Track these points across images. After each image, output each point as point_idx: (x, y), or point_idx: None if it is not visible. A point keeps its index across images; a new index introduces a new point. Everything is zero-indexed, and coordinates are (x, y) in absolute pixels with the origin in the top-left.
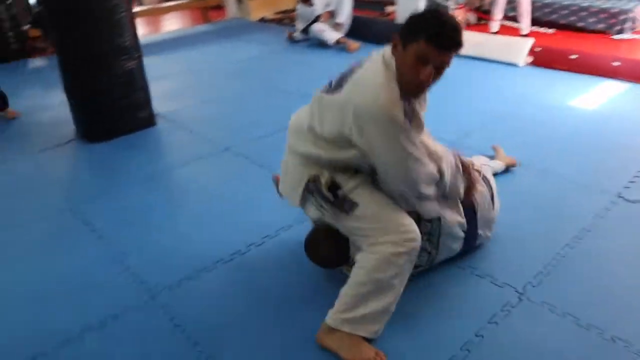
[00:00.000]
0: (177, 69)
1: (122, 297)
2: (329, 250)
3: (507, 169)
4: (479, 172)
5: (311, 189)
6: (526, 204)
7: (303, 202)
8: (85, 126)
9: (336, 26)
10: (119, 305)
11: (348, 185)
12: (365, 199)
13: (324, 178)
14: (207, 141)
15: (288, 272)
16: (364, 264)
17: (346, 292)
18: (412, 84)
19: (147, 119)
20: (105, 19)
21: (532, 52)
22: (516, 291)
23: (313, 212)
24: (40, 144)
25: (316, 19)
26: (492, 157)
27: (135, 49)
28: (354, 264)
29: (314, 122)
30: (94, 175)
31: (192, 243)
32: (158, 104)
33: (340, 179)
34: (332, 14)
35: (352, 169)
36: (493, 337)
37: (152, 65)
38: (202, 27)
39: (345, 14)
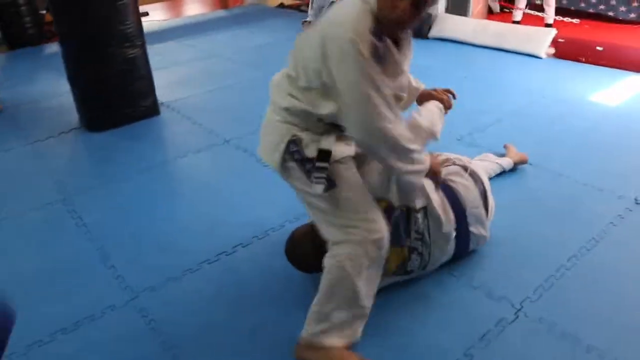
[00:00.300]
0: (191, 55)
1: (102, 297)
2: (307, 253)
3: (516, 167)
4: (466, 168)
5: (292, 150)
6: (534, 207)
7: (283, 167)
8: (88, 115)
9: None
10: (97, 306)
11: (335, 152)
12: (343, 180)
13: (306, 140)
14: (208, 132)
15: (273, 276)
16: (328, 268)
17: (315, 301)
18: (389, 19)
19: (150, 108)
20: (107, 5)
21: (555, 43)
22: (513, 306)
23: (292, 182)
24: (44, 132)
25: (331, 5)
26: (502, 155)
27: (138, 36)
28: None
29: (291, 70)
30: (91, 166)
31: (180, 241)
32: (165, 92)
33: (326, 143)
34: None
35: (338, 130)
36: (483, 358)
37: (166, 52)
38: (220, 13)
39: None
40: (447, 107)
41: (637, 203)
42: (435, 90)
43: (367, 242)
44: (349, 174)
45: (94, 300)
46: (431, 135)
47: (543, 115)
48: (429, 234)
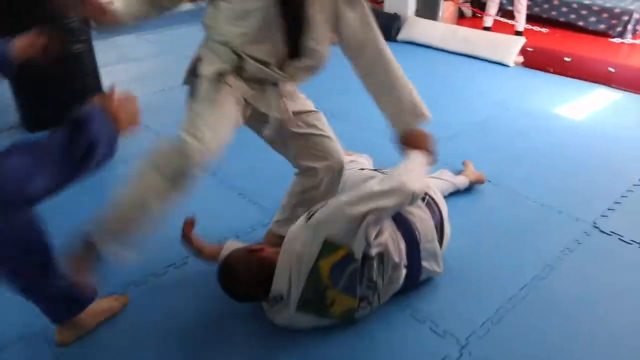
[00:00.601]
0: (147, 51)
1: (12, 324)
2: (241, 280)
3: (472, 186)
4: (424, 196)
5: (194, 68)
6: (488, 230)
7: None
8: (27, 114)
9: None
10: (5, 335)
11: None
12: (203, 93)
13: (206, 60)
14: (154, 135)
15: (202, 308)
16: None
17: None
18: None
19: None
20: None
21: (524, 51)
22: (458, 342)
23: None
24: None
25: None
26: (459, 173)
27: (82, 31)
28: (278, 299)
29: None
30: None
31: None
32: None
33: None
34: None
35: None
36: None
37: (122, 46)
38: (188, 5)
39: None
40: (433, 160)
41: (595, 227)
42: (423, 135)
43: (178, 151)
44: (214, 93)
45: (3, 328)
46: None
47: (507, 128)
48: (382, 280)
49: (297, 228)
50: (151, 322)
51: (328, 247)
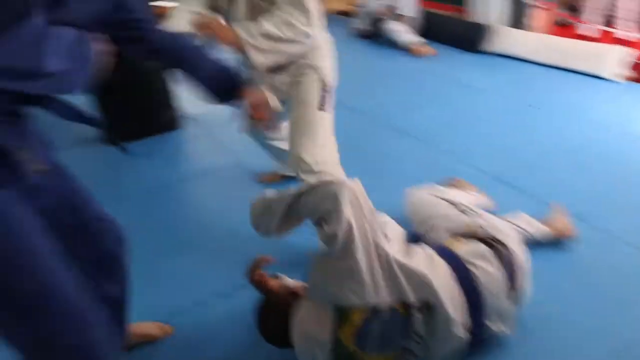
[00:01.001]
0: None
1: None
2: (282, 321)
3: (556, 240)
4: (496, 241)
5: None
6: (575, 283)
7: None
8: (104, 127)
9: (400, 18)
10: None
11: None
12: None
13: None
14: (221, 152)
15: (250, 337)
16: None
17: None
18: None
19: (170, 122)
20: None
21: (635, 64)
22: None
23: None
24: (59, 143)
25: (380, 18)
26: (541, 219)
27: None
28: None
29: None
30: (88, 184)
31: (151, 288)
32: (195, 104)
33: None
34: (392, 9)
35: None
36: None
37: None
38: None
39: (407, 4)
40: None
41: None
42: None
43: None
44: None
45: None
46: None
47: (606, 154)
48: (432, 334)
49: (301, 306)
50: (192, 353)
51: (340, 313)
